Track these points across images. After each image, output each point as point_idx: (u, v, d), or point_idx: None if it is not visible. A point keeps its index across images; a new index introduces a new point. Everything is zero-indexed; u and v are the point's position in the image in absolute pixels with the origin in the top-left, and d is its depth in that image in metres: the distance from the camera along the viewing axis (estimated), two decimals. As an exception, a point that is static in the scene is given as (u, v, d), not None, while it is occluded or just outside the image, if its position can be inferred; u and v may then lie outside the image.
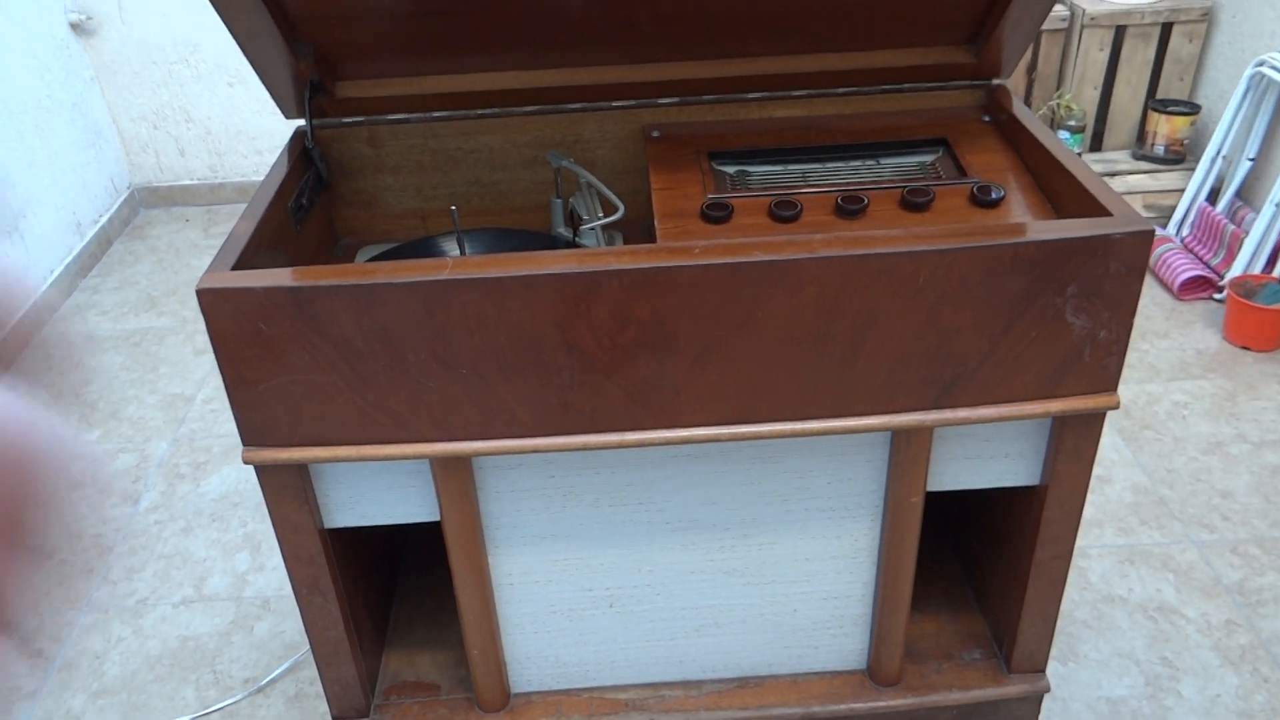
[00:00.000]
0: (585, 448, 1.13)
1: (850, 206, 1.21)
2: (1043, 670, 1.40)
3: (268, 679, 1.73)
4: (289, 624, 1.83)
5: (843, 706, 1.38)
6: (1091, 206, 1.12)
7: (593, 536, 1.26)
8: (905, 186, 1.25)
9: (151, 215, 3.43)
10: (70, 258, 3.00)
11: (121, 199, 3.35)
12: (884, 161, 1.36)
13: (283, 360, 1.06)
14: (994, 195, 1.22)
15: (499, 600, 1.31)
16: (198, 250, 3.19)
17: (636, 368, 1.08)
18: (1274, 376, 2.36)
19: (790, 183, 1.32)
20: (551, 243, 1.40)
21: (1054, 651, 1.70)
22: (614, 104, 1.43)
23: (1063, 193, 1.20)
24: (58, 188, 2.98)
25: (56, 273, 2.92)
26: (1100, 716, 1.60)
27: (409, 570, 1.62)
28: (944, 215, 1.21)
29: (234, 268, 1.08)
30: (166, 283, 3.02)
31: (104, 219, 3.23)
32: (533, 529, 1.25)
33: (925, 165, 1.35)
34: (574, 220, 1.40)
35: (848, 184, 1.29)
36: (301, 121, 1.38)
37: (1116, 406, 1.14)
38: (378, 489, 1.20)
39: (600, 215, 1.35)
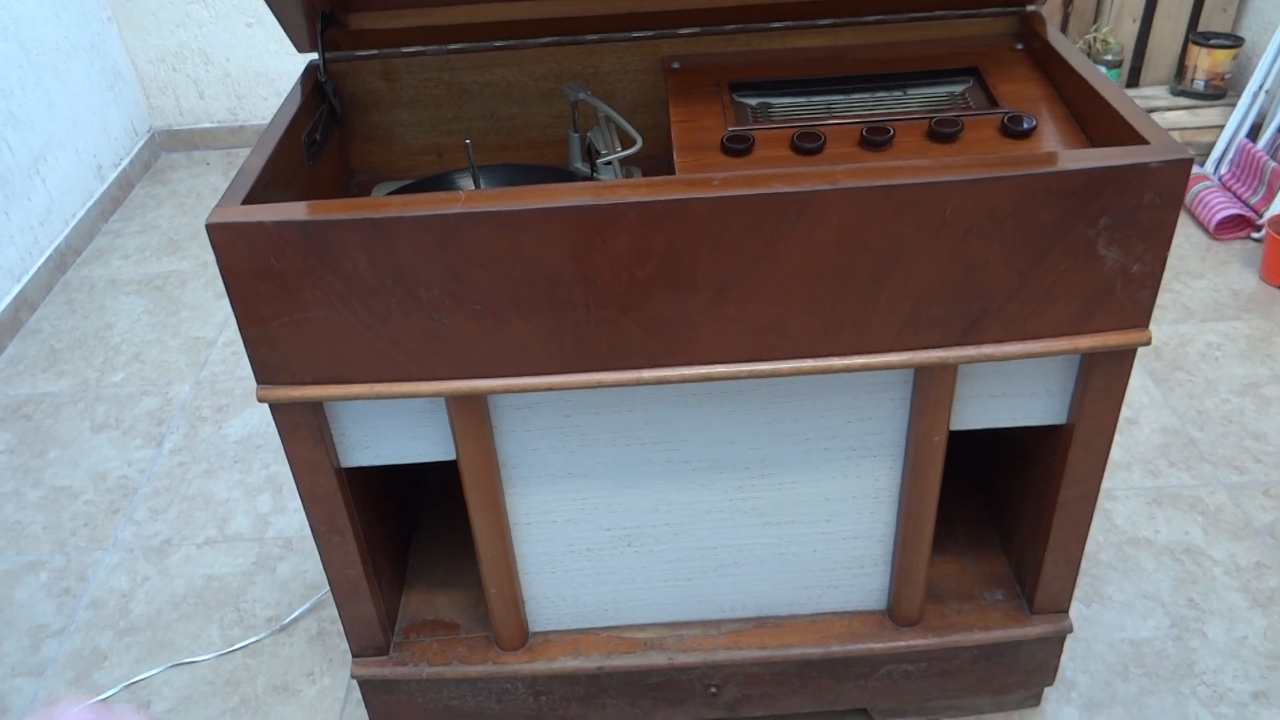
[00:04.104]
0: (601, 385, 1.11)
1: (875, 138, 1.18)
2: (1065, 611, 1.38)
3: (290, 618, 1.74)
4: (310, 564, 1.84)
5: (862, 646, 1.37)
6: (1127, 135, 1.07)
7: (610, 476, 1.25)
8: (933, 117, 1.21)
9: (172, 159, 3.42)
10: (91, 201, 3.00)
11: (142, 142, 3.34)
12: (911, 92, 1.32)
13: (295, 296, 1.05)
14: (1025, 125, 1.18)
15: (516, 540, 1.31)
16: (218, 194, 3.18)
17: (654, 303, 1.06)
18: (1311, 317, 2.31)
19: (814, 115, 1.28)
20: (569, 177, 1.38)
21: (1078, 593, 1.69)
22: (633, 34, 1.39)
23: (1098, 122, 1.16)
24: (78, 130, 2.97)
25: (78, 216, 2.92)
26: (1123, 658, 1.59)
27: (428, 510, 1.62)
28: (973, 146, 1.17)
29: (244, 202, 1.06)
30: (188, 226, 3.01)
31: (124, 162, 3.22)
32: (550, 468, 1.24)
33: (954, 95, 1.30)
34: (592, 154, 1.37)
35: (873, 115, 1.25)
36: (314, 55, 1.35)
37: (1148, 343, 1.11)
38: (393, 428, 1.19)
39: (618, 149, 1.32)
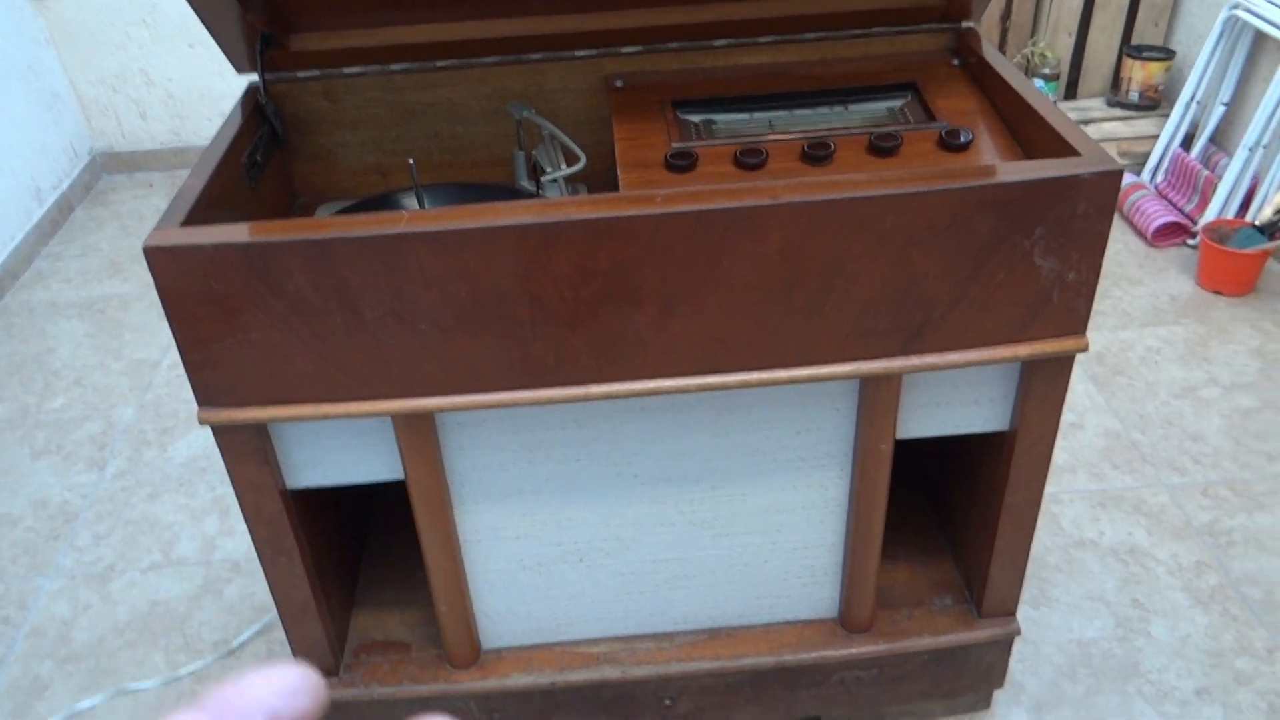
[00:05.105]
0: (550, 401, 1.11)
1: (817, 153, 1.19)
2: (1013, 614, 1.41)
3: (238, 641, 1.71)
4: (259, 586, 1.81)
5: (814, 654, 1.38)
6: (1060, 147, 1.10)
7: (560, 491, 1.25)
8: (873, 132, 1.23)
9: (114, 181, 3.37)
10: (30, 225, 2.94)
11: (82, 164, 3.28)
12: (851, 107, 1.34)
13: (236, 319, 1.04)
14: (962, 139, 1.20)
15: (467, 557, 1.30)
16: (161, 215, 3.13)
17: (600, 320, 1.06)
18: (1246, 320, 2.37)
19: (756, 130, 1.29)
20: (514, 196, 1.38)
21: (1025, 596, 1.71)
22: (576, 53, 1.39)
23: (1032, 135, 1.18)
24: (15, 153, 2.91)
25: (17, 240, 2.86)
26: (1071, 658, 1.62)
27: (377, 529, 1.61)
28: (912, 160, 1.20)
29: (183, 224, 1.05)
30: (130, 249, 2.97)
31: (64, 185, 3.16)
32: (499, 485, 1.24)
33: (893, 110, 1.32)
34: (537, 173, 1.37)
35: (814, 130, 1.27)
36: (254, 76, 1.34)
37: (1085, 349, 1.14)
38: (340, 448, 1.18)
39: (563, 167, 1.32)
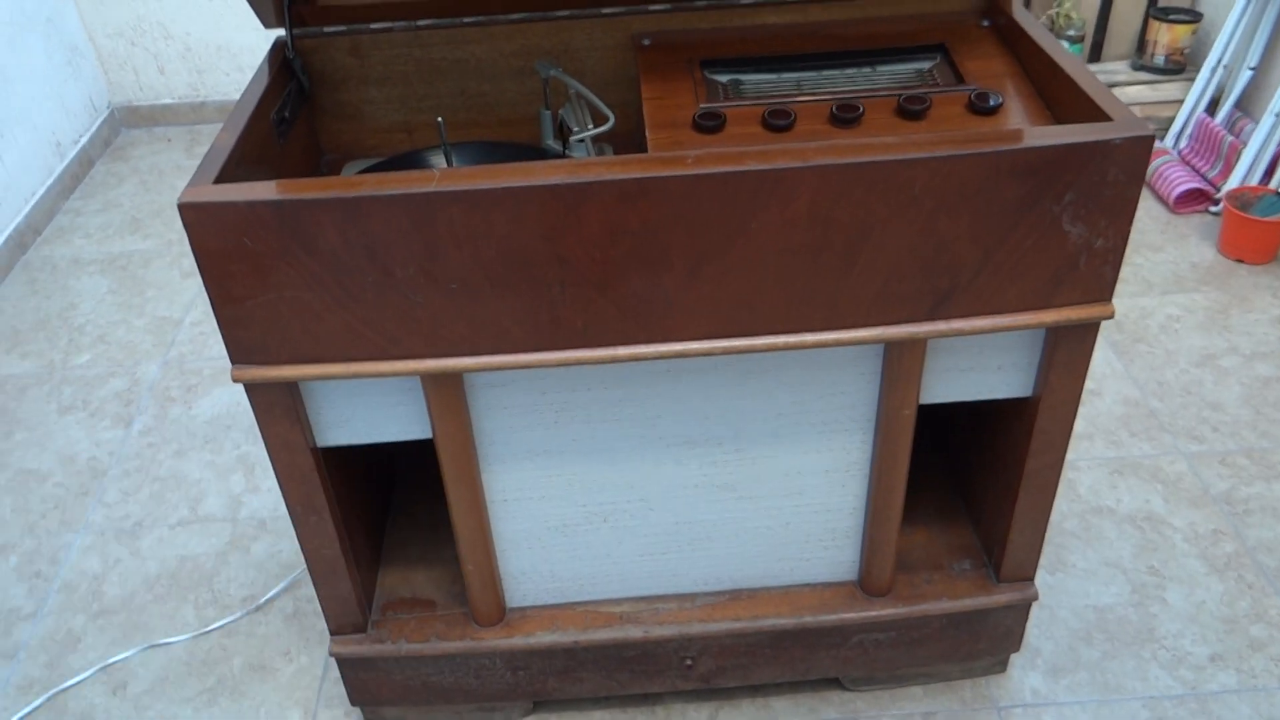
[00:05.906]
0: (577, 363, 1.12)
1: (845, 115, 1.19)
2: (1031, 579, 1.42)
3: (266, 597, 1.74)
4: (285, 544, 1.84)
5: (834, 617, 1.40)
6: (1091, 111, 1.09)
7: (586, 452, 1.26)
8: (901, 94, 1.22)
9: (133, 135, 3.36)
10: (51, 179, 2.95)
11: (101, 119, 3.28)
12: (880, 69, 1.33)
13: (269, 276, 1.05)
14: (992, 102, 1.19)
15: (493, 517, 1.32)
16: (181, 171, 3.14)
17: (628, 281, 1.07)
18: (1267, 289, 2.36)
19: (784, 91, 1.29)
20: (541, 155, 1.38)
21: (1042, 562, 1.72)
22: (603, 11, 1.39)
23: (1062, 98, 1.17)
24: (36, 107, 2.92)
25: (38, 195, 2.87)
26: (1087, 624, 1.63)
27: (404, 488, 1.63)
28: (941, 123, 1.19)
29: (216, 181, 1.05)
30: (151, 204, 2.97)
31: (84, 139, 3.16)
32: (526, 445, 1.25)
33: (922, 72, 1.31)
34: (564, 132, 1.37)
35: (843, 92, 1.26)
36: (281, 31, 1.34)
37: (1111, 316, 1.14)
38: (369, 407, 1.19)
39: (590, 126, 1.32)
